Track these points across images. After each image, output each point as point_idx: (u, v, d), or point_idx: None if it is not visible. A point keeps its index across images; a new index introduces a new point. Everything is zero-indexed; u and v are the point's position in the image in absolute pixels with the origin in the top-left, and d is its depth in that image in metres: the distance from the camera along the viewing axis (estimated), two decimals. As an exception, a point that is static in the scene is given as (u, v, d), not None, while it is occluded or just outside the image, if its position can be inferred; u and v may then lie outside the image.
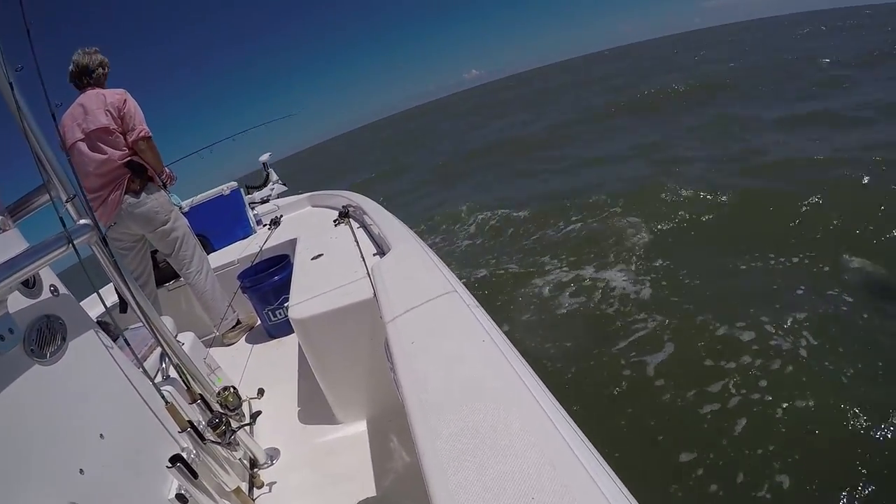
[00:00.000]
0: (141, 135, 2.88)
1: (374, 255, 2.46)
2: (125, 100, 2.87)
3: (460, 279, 1.73)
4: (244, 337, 3.51)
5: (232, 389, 1.88)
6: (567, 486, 0.73)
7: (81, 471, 1.15)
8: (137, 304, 1.59)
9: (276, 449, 2.10)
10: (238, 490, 1.67)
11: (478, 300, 1.49)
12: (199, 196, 4.43)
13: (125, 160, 2.89)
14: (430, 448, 0.90)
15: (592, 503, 0.70)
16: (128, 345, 1.55)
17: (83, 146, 2.80)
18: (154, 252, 3.43)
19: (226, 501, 1.62)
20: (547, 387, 1.02)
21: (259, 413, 1.95)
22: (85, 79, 2.92)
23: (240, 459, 1.83)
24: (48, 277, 1.34)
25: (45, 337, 1.23)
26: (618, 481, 0.76)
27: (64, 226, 1.34)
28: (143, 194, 2.99)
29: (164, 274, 3.66)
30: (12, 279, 1.10)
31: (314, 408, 2.30)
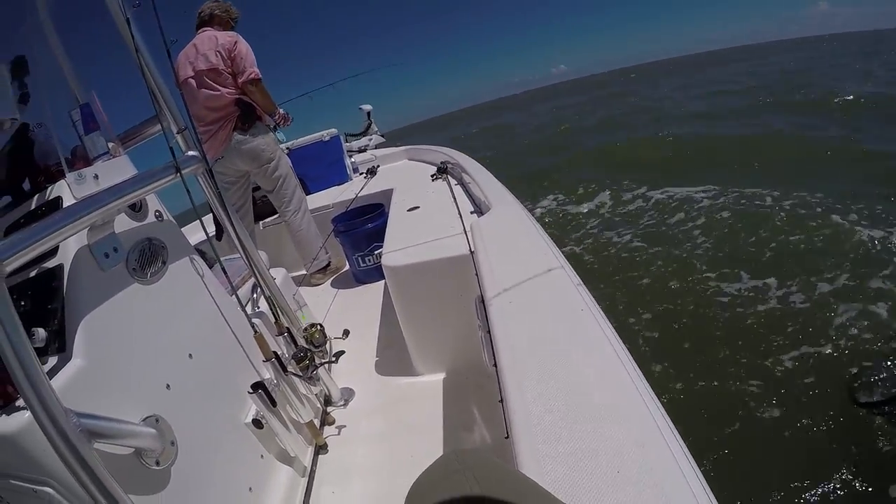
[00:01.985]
0: (251, 77, 2.97)
1: (472, 213, 2.44)
2: (236, 42, 2.96)
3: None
4: (331, 280, 3.63)
5: (319, 326, 1.94)
6: (653, 469, 0.71)
7: (168, 386, 1.23)
8: (237, 234, 1.66)
9: (351, 390, 2.17)
10: (311, 424, 1.75)
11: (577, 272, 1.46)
12: (299, 140, 4.56)
13: (235, 99, 3.01)
14: (519, 407, 0.91)
15: (676, 487, 0.68)
16: (224, 273, 1.63)
17: (193, 82, 2.95)
18: (255, 189, 3.59)
19: (297, 432, 1.70)
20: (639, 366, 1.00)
21: (342, 353, 2.01)
22: (199, 19, 3.08)
23: (316, 395, 1.90)
24: (154, 204, 1.42)
25: (147, 258, 1.32)
26: (699, 474, 0.73)
27: (173, 155, 1.40)
28: (251, 132, 3.12)
29: (261, 211, 3.84)
30: (120, 202, 1.17)
31: (393, 356, 2.35)
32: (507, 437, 1.06)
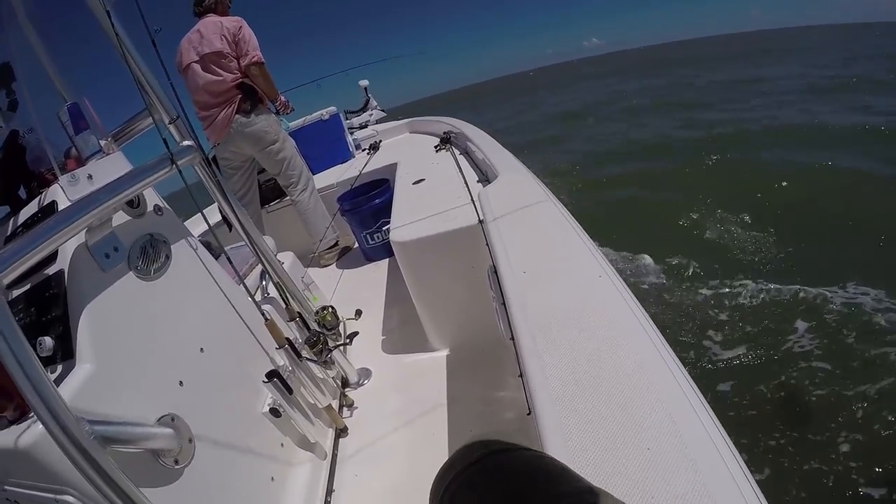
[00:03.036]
0: (254, 60, 2.96)
1: (478, 182, 2.40)
2: (241, 26, 2.95)
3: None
4: (339, 259, 3.62)
5: (330, 309, 1.93)
6: (686, 446, 0.68)
7: (181, 382, 1.22)
8: (240, 222, 1.64)
9: (367, 370, 2.17)
10: (329, 407, 1.75)
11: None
12: (298, 120, 4.51)
13: (237, 82, 2.99)
14: (540, 383, 0.90)
15: (711, 466, 0.66)
16: (230, 262, 1.61)
17: (197, 67, 2.94)
18: (260, 172, 3.56)
19: (316, 418, 1.69)
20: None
21: (356, 333, 2.00)
22: (199, 7, 3.03)
23: (332, 378, 1.89)
24: (152, 198, 1.39)
25: (150, 254, 1.29)
26: (734, 450, 0.70)
27: (167, 147, 1.37)
28: (253, 115, 3.09)
29: (265, 195, 3.81)
30: (115, 200, 1.14)
31: (407, 332, 2.33)
32: (528, 414, 1.04)
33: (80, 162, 1.28)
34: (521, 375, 1.13)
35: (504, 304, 1.32)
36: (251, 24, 3.03)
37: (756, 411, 3.24)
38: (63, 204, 1.15)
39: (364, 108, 6.16)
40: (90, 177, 1.20)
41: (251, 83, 3.02)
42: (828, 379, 3.38)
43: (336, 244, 3.59)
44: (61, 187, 1.15)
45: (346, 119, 5.16)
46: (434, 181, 2.67)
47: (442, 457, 0.60)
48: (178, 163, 1.36)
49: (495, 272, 1.48)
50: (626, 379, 0.83)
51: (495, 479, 0.52)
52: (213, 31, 2.92)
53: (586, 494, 0.45)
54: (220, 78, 2.95)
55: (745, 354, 3.74)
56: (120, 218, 1.24)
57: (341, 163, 4.50)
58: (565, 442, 0.75)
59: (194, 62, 2.93)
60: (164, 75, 1.51)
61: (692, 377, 0.85)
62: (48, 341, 1.04)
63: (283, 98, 3.27)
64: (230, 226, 2.56)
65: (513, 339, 1.17)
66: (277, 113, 3.31)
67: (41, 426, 0.86)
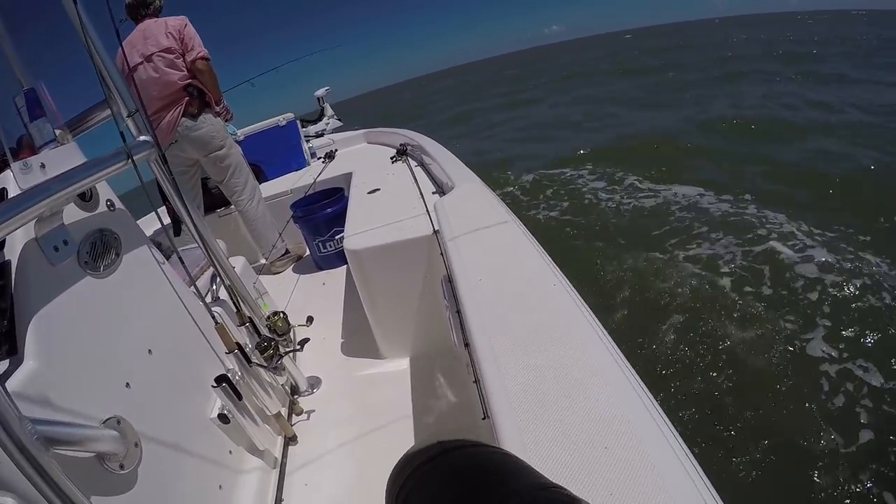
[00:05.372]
0: (199, 55, 2.90)
1: (434, 193, 2.43)
2: (186, 24, 2.90)
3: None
4: (291, 267, 3.56)
5: (282, 315, 1.90)
6: (641, 441, 0.72)
7: (128, 384, 1.18)
8: (193, 223, 1.60)
9: (317, 378, 2.14)
10: (278, 415, 1.71)
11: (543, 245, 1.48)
12: (254, 125, 4.44)
13: (184, 83, 2.92)
14: (497, 387, 0.90)
15: (665, 461, 0.69)
16: (182, 263, 1.56)
17: (142, 69, 2.84)
18: (206, 179, 3.48)
19: (265, 425, 1.66)
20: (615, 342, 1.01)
21: (307, 340, 1.98)
22: (142, 10, 2.94)
23: (282, 385, 1.86)
24: (105, 192, 1.34)
25: (100, 250, 1.24)
26: (685, 447, 0.74)
27: (124, 140, 1.33)
28: (200, 118, 3.01)
29: (215, 200, 3.72)
30: (68, 191, 1.10)
31: (358, 341, 2.32)
32: (484, 419, 1.05)
33: (34, 150, 1.22)
34: (476, 381, 1.15)
35: (459, 311, 1.34)
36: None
37: (700, 403, 3.38)
38: (14, 191, 1.10)
39: (320, 117, 6.13)
40: (43, 166, 1.15)
41: (199, 84, 2.95)
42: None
43: (287, 252, 3.54)
44: (13, 174, 1.10)
45: (303, 127, 5.12)
46: (389, 191, 2.68)
47: (392, 465, 0.59)
48: (135, 157, 1.32)
49: (450, 281, 1.50)
50: (581, 381, 0.86)
51: (451, 476, 0.52)
52: (156, 29, 2.86)
53: (541, 490, 0.47)
54: (167, 79, 2.88)
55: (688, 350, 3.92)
56: (71, 212, 1.20)
57: (296, 170, 4.45)
58: (523, 442, 0.77)
59: (139, 64, 2.83)
60: (123, 75, 1.47)
61: (641, 376, 0.90)
62: (-11, 336, 0.99)
63: (224, 103, 3.22)
64: (178, 229, 2.50)
65: (467, 345, 1.18)
66: (220, 116, 3.23)
67: None
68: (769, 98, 12.51)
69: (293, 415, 1.91)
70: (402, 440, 1.68)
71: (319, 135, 5.57)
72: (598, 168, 8.67)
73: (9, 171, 1.13)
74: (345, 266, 3.17)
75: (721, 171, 7.68)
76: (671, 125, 11.39)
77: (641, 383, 0.87)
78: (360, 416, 1.87)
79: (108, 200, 1.34)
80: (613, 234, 6.06)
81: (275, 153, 4.43)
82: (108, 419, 1.08)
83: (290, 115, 4.46)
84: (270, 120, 4.44)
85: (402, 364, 2.11)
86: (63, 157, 1.22)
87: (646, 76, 21.25)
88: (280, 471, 1.65)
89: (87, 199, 1.26)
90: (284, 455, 1.72)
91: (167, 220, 2.44)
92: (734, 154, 8.50)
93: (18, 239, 1.05)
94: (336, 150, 4.59)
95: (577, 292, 1.18)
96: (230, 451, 1.49)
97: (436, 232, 1.81)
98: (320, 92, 6.17)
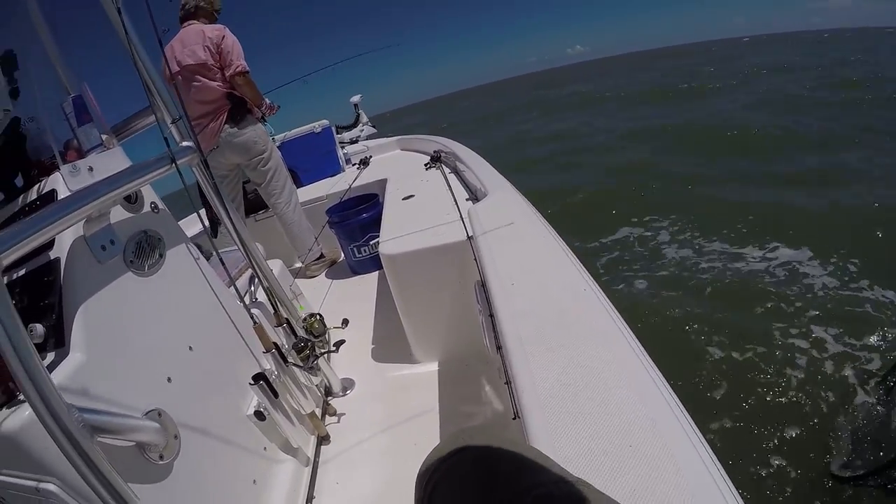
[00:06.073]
0: (238, 70, 2.91)
1: (467, 200, 2.44)
2: (223, 35, 2.90)
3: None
4: (326, 271, 3.62)
5: (318, 316, 1.94)
6: (666, 445, 0.72)
7: (169, 379, 1.22)
8: (234, 226, 1.64)
9: (351, 380, 2.17)
10: (312, 414, 1.74)
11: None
12: (290, 132, 4.52)
13: (225, 92, 2.96)
14: (528, 386, 0.92)
15: (690, 463, 0.70)
16: (222, 264, 1.61)
17: (180, 78, 2.87)
18: (245, 183, 3.55)
19: (300, 423, 1.69)
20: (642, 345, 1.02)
21: (343, 342, 2.00)
22: (181, 12, 2.99)
23: (316, 386, 1.89)
24: (149, 195, 1.40)
25: (144, 250, 1.29)
26: (708, 448, 0.75)
27: (168, 146, 1.37)
28: (242, 125, 3.07)
29: (253, 204, 3.81)
30: (115, 193, 1.15)
31: (391, 345, 2.34)
32: (514, 419, 1.06)
33: (81, 154, 1.28)
34: (507, 382, 1.16)
35: (491, 315, 1.36)
36: (234, 30, 2.97)
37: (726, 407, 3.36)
38: (63, 193, 1.16)
39: (355, 124, 6.21)
40: (91, 169, 1.20)
41: (239, 93, 2.99)
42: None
43: (322, 256, 3.59)
44: (62, 176, 1.16)
45: (338, 134, 5.20)
46: (424, 197, 2.70)
47: None
48: (178, 162, 1.37)
49: (483, 286, 1.51)
50: (609, 383, 0.87)
51: (477, 466, 0.54)
52: (194, 40, 2.86)
53: (564, 483, 0.48)
54: (207, 87, 2.91)
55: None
56: (118, 212, 1.25)
57: (331, 176, 4.51)
58: (551, 439, 0.78)
59: (177, 73, 2.86)
60: (166, 80, 1.53)
61: (669, 381, 0.90)
62: (39, 328, 1.04)
63: (267, 101, 3.24)
64: (215, 231, 2.56)
65: (499, 348, 1.19)
66: (263, 118, 3.27)
67: (28, 411, 0.86)
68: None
69: (326, 415, 1.94)
70: (432, 442, 1.67)
71: (353, 141, 5.65)
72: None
73: (58, 173, 1.19)
74: (378, 271, 3.21)
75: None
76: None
77: (668, 387, 0.88)
78: (391, 419, 1.89)
79: (152, 203, 1.39)
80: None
81: (310, 159, 4.50)
82: (150, 411, 1.12)
83: (325, 122, 4.53)
84: (306, 126, 4.51)
85: (435, 367, 2.12)
86: (109, 160, 1.28)
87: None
88: (312, 469, 1.67)
89: (132, 201, 1.32)
90: (317, 454, 1.75)
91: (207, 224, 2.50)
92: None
93: (68, 237, 1.11)
94: (370, 157, 4.65)
95: (607, 298, 1.19)
96: (265, 448, 1.53)
97: (470, 238, 1.82)
98: (355, 98, 6.26)
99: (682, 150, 11.22)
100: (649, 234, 6.72)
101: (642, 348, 1.00)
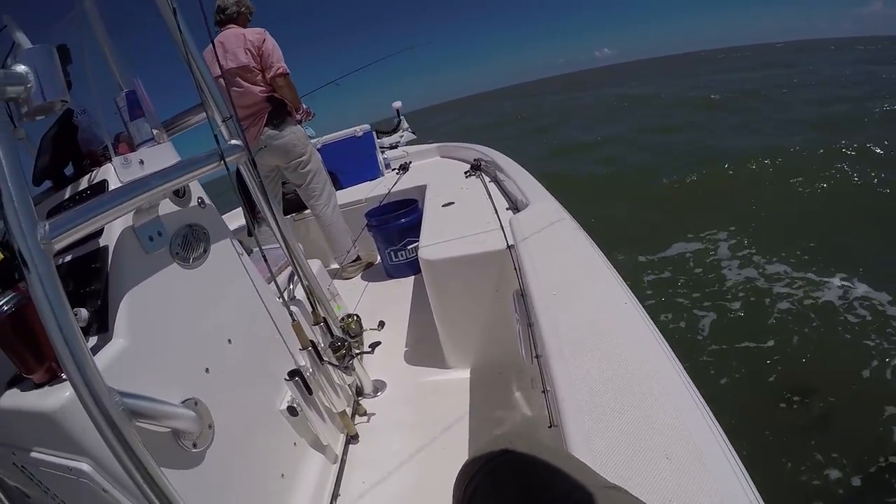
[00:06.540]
0: (279, 72, 2.97)
1: (507, 209, 2.43)
2: (264, 38, 2.96)
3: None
4: (362, 273, 3.64)
5: (355, 317, 1.95)
6: (702, 455, 0.71)
7: (207, 370, 1.25)
8: (277, 224, 1.68)
9: (382, 382, 2.17)
10: (343, 413, 1.76)
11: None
12: (331, 135, 4.59)
13: (266, 95, 3.02)
14: (568, 394, 0.92)
15: (725, 476, 0.69)
16: (265, 260, 1.64)
17: (222, 82, 2.88)
18: (283, 184, 3.61)
19: (330, 421, 1.71)
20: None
21: (378, 343, 2.02)
22: (221, 16, 3.04)
23: (348, 385, 1.91)
24: (197, 190, 1.44)
25: (190, 243, 1.33)
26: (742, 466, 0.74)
27: (218, 143, 1.41)
28: (282, 127, 3.13)
29: (291, 205, 3.87)
30: (165, 187, 1.19)
31: (425, 349, 2.34)
32: (550, 427, 1.05)
33: (132, 147, 1.33)
34: (544, 391, 1.15)
35: (530, 324, 1.35)
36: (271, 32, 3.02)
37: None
38: (114, 184, 1.20)
39: (395, 129, 6.26)
40: (142, 162, 1.25)
41: (279, 96, 3.04)
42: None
43: (358, 258, 3.63)
44: (114, 168, 1.20)
45: (378, 139, 5.26)
46: (463, 205, 2.70)
47: (450, 471, 0.63)
48: (227, 160, 1.40)
49: (522, 295, 1.50)
50: (645, 393, 0.86)
51: (518, 470, 0.55)
52: (236, 44, 2.92)
53: (602, 489, 0.48)
54: (248, 91, 2.97)
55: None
56: (165, 205, 1.29)
57: (370, 179, 4.56)
58: (589, 447, 0.77)
59: (218, 77, 2.81)
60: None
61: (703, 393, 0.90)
62: (84, 312, 1.08)
63: (304, 106, 3.30)
64: (251, 231, 2.61)
65: (538, 356, 1.18)
66: (300, 122, 3.33)
67: (69, 392, 0.89)
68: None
69: (356, 415, 1.95)
70: (461, 448, 1.67)
71: (394, 146, 5.70)
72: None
73: (109, 164, 1.23)
74: (414, 276, 3.22)
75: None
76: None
77: (703, 401, 0.87)
78: (421, 422, 1.88)
79: (199, 198, 1.43)
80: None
81: (350, 163, 4.56)
82: (187, 400, 1.15)
83: (366, 126, 4.59)
84: (347, 130, 4.58)
85: (467, 374, 2.11)
86: (159, 154, 1.32)
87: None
88: (340, 466, 1.68)
89: (180, 195, 1.36)
90: (345, 452, 1.76)
91: (242, 222, 2.55)
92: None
93: (117, 227, 1.15)
94: (410, 163, 4.68)
95: (645, 311, 1.18)
96: (294, 443, 1.54)
97: (510, 247, 1.81)
98: (397, 104, 6.31)
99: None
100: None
101: (679, 361, 0.99)
